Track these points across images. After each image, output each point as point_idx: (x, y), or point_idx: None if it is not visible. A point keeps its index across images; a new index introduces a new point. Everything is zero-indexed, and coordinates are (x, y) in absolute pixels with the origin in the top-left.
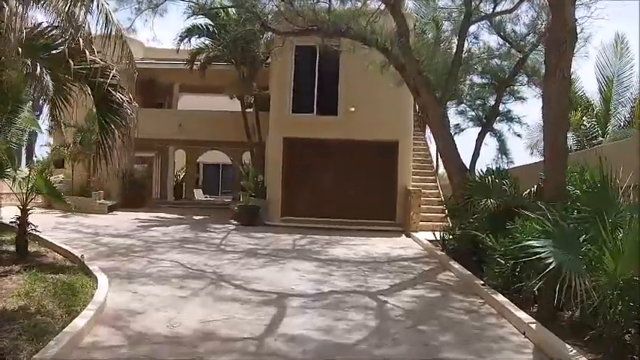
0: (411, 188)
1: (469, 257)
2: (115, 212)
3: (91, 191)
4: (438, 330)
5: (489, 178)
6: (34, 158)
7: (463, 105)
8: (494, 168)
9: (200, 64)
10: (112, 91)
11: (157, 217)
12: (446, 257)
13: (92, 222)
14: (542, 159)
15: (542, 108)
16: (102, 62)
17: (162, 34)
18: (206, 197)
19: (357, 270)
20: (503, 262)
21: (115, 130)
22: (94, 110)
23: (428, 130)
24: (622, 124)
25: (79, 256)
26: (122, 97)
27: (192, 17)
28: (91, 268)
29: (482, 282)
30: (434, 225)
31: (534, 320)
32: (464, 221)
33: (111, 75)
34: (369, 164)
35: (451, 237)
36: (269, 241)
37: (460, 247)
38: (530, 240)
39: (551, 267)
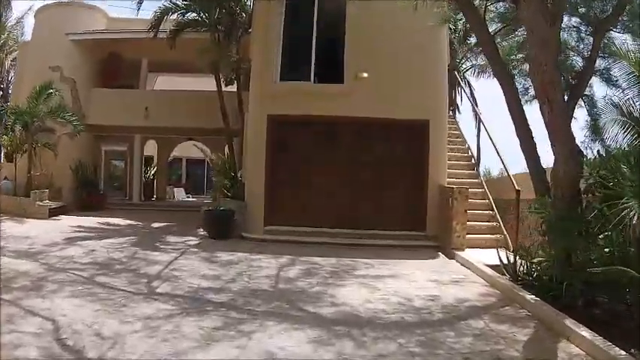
0: (453, 186)
1: (572, 303)
2: (59, 216)
3: (35, 189)
4: None
5: None
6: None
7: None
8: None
9: (170, 31)
10: None
11: (106, 223)
12: (543, 306)
13: (17, 230)
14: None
15: None
16: None
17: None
18: (188, 197)
19: (397, 351)
20: None
21: None
22: (37, 88)
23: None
24: None
25: None
26: None
27: None
28: None
29: None
30: (482, 240)
31: None
32: (578, 245)
33: None
34: (388, 152)
35: (536, 266)
36: (237, 272)
37: (567, 288)
38: None
39: None
